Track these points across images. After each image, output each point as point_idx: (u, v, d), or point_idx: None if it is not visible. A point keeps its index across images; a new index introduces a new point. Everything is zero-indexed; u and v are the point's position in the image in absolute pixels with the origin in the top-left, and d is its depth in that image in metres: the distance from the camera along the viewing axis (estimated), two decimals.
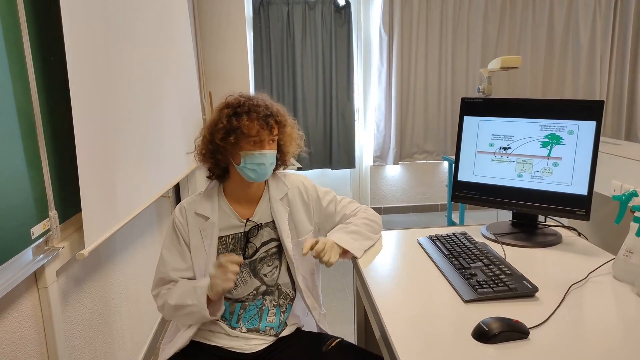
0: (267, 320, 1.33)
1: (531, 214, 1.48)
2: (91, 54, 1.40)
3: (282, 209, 1.36)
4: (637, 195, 1.19)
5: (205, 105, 3.38)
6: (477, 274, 1.16)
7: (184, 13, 2.67)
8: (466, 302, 1.06)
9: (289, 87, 4.37)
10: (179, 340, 1.29)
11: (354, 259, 1.35)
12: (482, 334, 0.91)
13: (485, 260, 1.22)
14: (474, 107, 1.53)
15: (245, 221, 1.34)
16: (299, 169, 3.85)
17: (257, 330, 1.32)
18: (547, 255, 1.32)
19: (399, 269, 1.27)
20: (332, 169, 4.59)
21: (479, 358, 0.86)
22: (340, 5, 4.31)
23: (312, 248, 1.25)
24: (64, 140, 1.33)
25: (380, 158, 4.64)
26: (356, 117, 4.59)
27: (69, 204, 1.35)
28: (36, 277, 1.26)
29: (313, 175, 4.63)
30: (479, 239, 1.45)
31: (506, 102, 1.49)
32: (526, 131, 1.43)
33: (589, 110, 1.34)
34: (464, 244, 1.34)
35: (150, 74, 1.96)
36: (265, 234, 1.36)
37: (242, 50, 3.48)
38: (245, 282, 1.34)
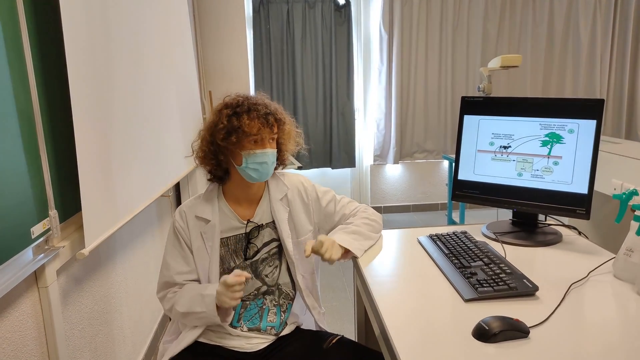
0: (268, 319, 1.33)
1: (531, 212, 1.48)
2: (91, 53, 1.40)
3: (282, 209, 1.36)
4: (637, 194, 1.19)
5: (205, 104, 3.38)
6: (478, 273, 1.16)
7: (183, 12, 2.66)
8: (466, 301, 1.06)
9: (289, 86, 4.37)
10: (184, 339, 1.29)
11: (354, 258, 1.35)
12: (483, 333, 0.91)
13: (485, 259, 1.22)
14: (474, 105, 1.52)
15: (245, 222, 1.34)
16: (299, 168, 3.85)
17: (258, 330, 1.32)
18: (547, 254, 1.32)
19: (399, 268, 1.27)
20: (332, 168, 4.59)
21: (479, 357, 0.86)
22: (340, 3, 4.31)
23: (314, 251, 1.25)
24: (64, 140, 1.33)
25: (380, 157, 4.63)
26: (356, 116, 4.59)
27: (69, 203, 1.35)
28: (36, 276, 1.26)
29: (313, 174, 4.63)
30: (479, 238, 1.45)
31: (506, 100, 1.49)
32: (526, 130, 1.43)
33: (589, 108, 1.34)
34: (464, 243, 1.34)
35: (150, 73, 1.96)
36: (266, 234, 1.36)
37: (242, 49, 3.47)
38: (246, 282, 1.34)
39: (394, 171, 4.80)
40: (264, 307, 1.34)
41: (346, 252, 1.33)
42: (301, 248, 1.38)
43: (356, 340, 1.62)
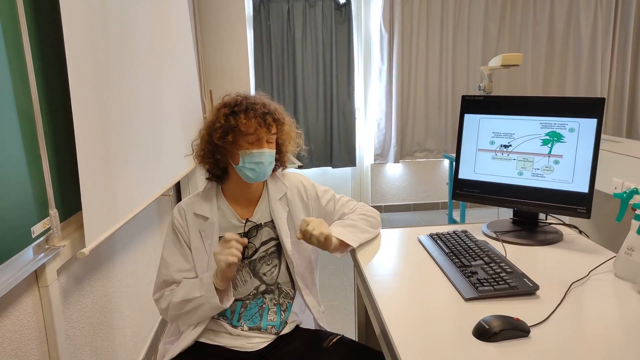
0: (268, 318, 1.33)
1: (532, 212, 1.48)
2: (91, 53, 1.40)
3: (281, 208, 1.36)
4: (638, 193, 1.19)
5: (205, 103, 3.38)
6: (478, 272, 1.16)
7: (184, 11, 2.66)
8: (467, 300, 1.06)
9: (290, 85, 4.37)
10: (184, 340, 1.28)
11: (353, 256, 1.35)
12: (483, 332, 0.91)
13: (486, 259, 1.22)
14: (474, 104, 1.52)
15: (244, 221, 1.34)
16: (300, 167, 3.85)
17: (259, 329, 1.32)
18: (548, 253, 1.32)
19: (399, 267, 1.27)
20: (333, 167, 4.59)
21: (479, 356, 0.86)
22: (341, 2, 4.31)
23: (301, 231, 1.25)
24: (64, 139, 1.33)
25: (381, 156, 4.63)
26: (357, 115, 4.58)
27: (70, 202, 1.35)
28: (37, 275, 1.26)
29: (314, 173, 4.63)
30: (480, 237, 1.45)
31: (507, 99, 1.49)
32: (527, 129, 1.43)
33: (590, 107, 1.33)
34: (464, 242, 1.34)
35: (150, 73, 1.96)
36: (265, 233, 1.36)
37: (242, 48, 3.47)
38: (245, 282, 1.34)
39: (394, 170, 4.80)
40: (264, 306, 1.34)
41: (343, 245, 1.33)
42: (300, 247, 1.38)
43: (357, 340, 1.62)
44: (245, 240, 1.22)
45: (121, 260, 1.91)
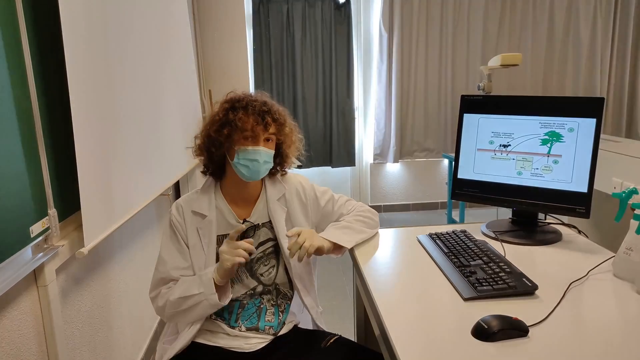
0: (266, 319, 1.33)
1: (531, 211, 1.48)
2: (90, 52, 1.40)
3: (279, 209, 1.36)
4: (637, 193, 1.19)
5: (205, 103, 3.37)
6: (477, 271, 1.16)
7: (183, 10, 2.66)
8: (466, 300, 1.06)
9: (289, 84, 4.37)
10: (181, 341, 1.28)
11: (352, 256, 1.35)
12: (482, 332, 0.91)
13: (485, 258, 1.22)
14: (473, 104, 1.52)
15: (242, 221, 1.34)
16: (299, 167, 3.85)
17: (256, 329, 1.31)
18: (547, 253, 1.32)
19: (398, 267, 1.27)
20: (332, 167, 4.59)
21: (478, 356, 0.86)
22: (340, 2, 4.30)
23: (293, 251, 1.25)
24: (63, 139, 1.33)
25: (380, 156, 4.63)
26: (356, 115, 4.59)
27: (69, 202, 1.35)
28: (35, 275, 1.26)
29: (313, 173, 4.63)
30: (479, 236, 1.45)
31: (506, 99, 1.49)
32: (526, 129, 1.43)
33: (589, 107, 1.33)
34: (463, 242, 1.34)
35: (149, 72, 1.96)
36: (262, 234, 1.36)
37: (241, 47, 3.47)
38: (241, 281, 1.34)
39: (393, 170, 4.80)
40: (261, 306, 1.34)
41: (338, 248, 1.33)
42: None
43: (356, 340, 1.62)
44: (253, 247, 1.21)
45: (120, 259, 1.91)
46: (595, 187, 1.34)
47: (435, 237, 1.41)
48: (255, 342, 1.30)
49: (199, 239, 1.32)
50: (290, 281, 1.38)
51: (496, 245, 1.36)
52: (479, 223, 1.57)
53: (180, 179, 2.61)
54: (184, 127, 2.48)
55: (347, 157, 4.59)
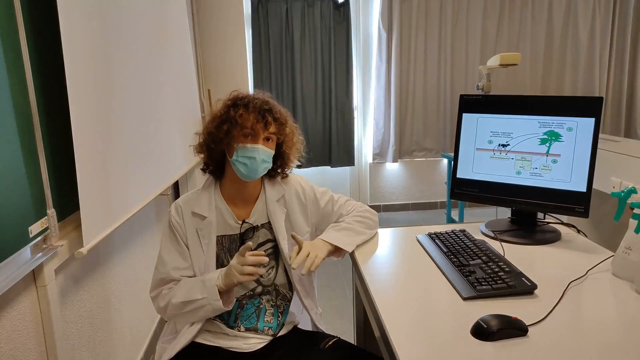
0: (265, 320, 1.33)
1: (530, 211, 1.48)
2: (89, 52, 1.40)
3: (278, 210, 1.36)
4: (636, 192, 1.19)
5: (204, 103, 3.37)
6: (476, 271, 1.16)
7: (182, 10, 2.66)
8: (465, 299, 1.06)
9: (288, 84, 4.37)
10: (180, 341, 1.28)
11: (352, 257, 1.35)
12: (481, 332, 0.91)
13: (484, 258, 1.22)
14: (472, 104, 1.52)
15: (241, 222, 1.34)
16: (298, 166, 3.85)
17: (255, 330, 1.31)
18: (546, 253, 1.32)
19: (397, 267, 1.27)
20: (332, 167, 4.59)
21: (477, 355, 0.86)
22: (339, 2, 4.30)
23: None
24: (62, 139, 1.32)
25: (379, 156, 4.63)
26: (355, 115, 4.58)
27: (67, 202, 1.35)
28: (35, 275, 1.26)
29: (312, 173, 4.63)
30: (478, 236, 1.45)
31: (505, 99, 1.49)
32: (525, 128, 1.43)
33: (587, 106, 1.34)
34: (462, 242, 1.34)
35: (148, 72, 1.96)
36: (261, 235, 1.35)
37: (241, 47, 3.47)
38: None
39: (393, 169, 4.80)
40: (260, 306, 1.34)
41: (337, 250, 1.33)
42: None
43: (355, 340, 1.62)
44: (266, 259, 1.20)
45: (119, 259, 1.91)
46: (594, 186, 1.34)
47: (434, 237, 1.41)
48: (254, 342, 1.30)
49: (198, 239, 1.32)
50: (289, 282, 1.38)
51: (495, 245, 1.36)
52: (478, 223, 1.58)
53: (179, 178, 2.61)
54: (183, 127, 2.48)
55: (346, 156, 4.59)
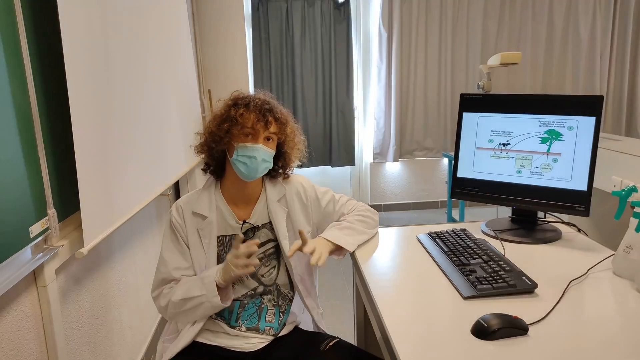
0: (266, 319, 1.33)
1: (531, 210, 1.48)
2: (89, 52, 1.40)
3: (279, 210, 1.36)
4: (636, 191, 1.19)
5: (204, 102, 3.37)
6: (477, 270, 1.16)
7: (182, 10, 2.66)
8: (465, 298, 1.06)
9: (289, 84, 4.37)
10: (182, 340, 1.28)
11: (352, 256, 1.35)
12: (482, 331, 0.91)
13: (484, 257, 1.22)
14: (473, 103, 1.52)
15: (241, 222, 1.34)
16: (299, 166, 3.85)
17: (257, 330, 1.31)
18: (546, 252, 1.32)
19: (398, 266, 1.27)
20: (332, 167, 4.59)
21: (478, 354, 0.86)
22: (340, 1, 4.30)
23: (300, 249, 1.25)
24: (63, 139, 1.32)
25: (380, 155, 4.63)
26: (356, 114, 4.58)
27: (68, 202, 1.35)
28: (35, 275, 1.26)
29: (313, 173, 4.63)
30: (479, 235, 1.45)
31: (505, 97, 1.48)
32: (525, 127, 1.43)
33: (588, 105, 1.33)
34: (463, 241, 1.34)
35: (148, 72, 1.96)
36: (262, 235, 1.35)
37: (241, 47, 3.47)
38: (242, 281, 1.34)
39: (393, 169, 4.80)
40: (262, 306, 1.34)
41: (339, 249, 1.33)
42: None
43: (356, 339, 1.62)
44: (256, 248, 1.21)
45: (120, 259, 1.91)
46: (595, 185, 1.34)
47: (435, 236, 1.41)
48: (255, 342, 1.30)
49: (199, 239, 1.32)
50: (291, 282, 1.38)
51: (496, 244, 1.36)
52: (478, 222, 1.58)
53: (180, 179, 2.61)
54: (183, 127, 2.48)
55: (346, 156, 4.59)
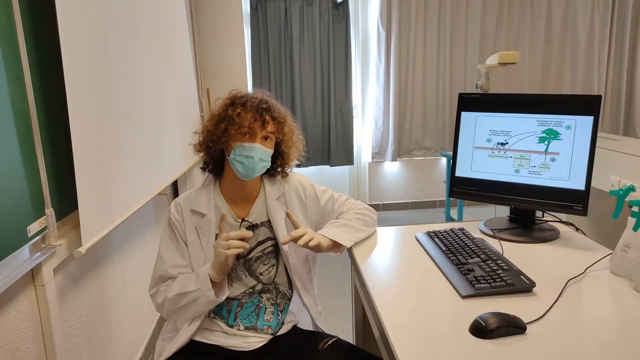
0: (265, 318, 1.33)
1: (529, 209, 1.48)
2: (87, 52, 1.40)
3: (278, 208, 1.36)
4: (634, 190, 1.19)
5: (203, 102, 3.37)
6: (475, 269, 1.16)
7: (181, 9, 2.66)
8: (463, 297, 1.06)
9: (287, 83, 4.36)
10: (179, 339, 1.28)
11: (351, 255, 1.35)
12: (480, 330, 0.91)
13: (482, 256, 1.22)
14: (471, 102, 1.52)
15: (240, 221, 1.34)
16: (298, 165, 3.85)
17: (255, 329, 1.31)
18: (544, 251, 1.33)
19: (396, 266, 1.27)
20: (331, 166, 4.59)
21: (476, 353, 0.86)
22: (338, 1, 4.30)
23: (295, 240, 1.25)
24: (60, 138, 1.32)
25: (378, 154, 4.63)
26: (354, 114, 4.58)
27: (66, 201, 1.35)
28: (33, 275, 1.26)
29: (311, 172, 4.63)
30: (477, 234, 1.45)
31: (503, 97, 1.49)
32: (523, 126, 1.43)
33: (586, 105, 1.34)
34: (461, 240, 1.34)
35: (147, 71, 1.95)
36: (261, 233, 1.35)
37: (239, 46, 3.47)
38: (240, 279, 1.34)
39: (392, 168, 4.80)
40: (260, 305, 1.34)
41: (336, 245, 1.33)
42: (298, 248, 1.38)
43: (354, 338, 1.62)
44: (250, 233, 1.22)
45: (118, 259, 1.91)
46: (593, 184, 1.34)
47: (433, 235, 1.41)
48: (253, 341, 1.30)
49: (197, 237, 1.32)
50: (289, 280, 1.38)
51: (494, 243, 1.37)
52: (477, 221, 1.58)
53: (178, 178, 2.61)
54: (182, 126, 2.48)
55: (345, 155, 4.59)
